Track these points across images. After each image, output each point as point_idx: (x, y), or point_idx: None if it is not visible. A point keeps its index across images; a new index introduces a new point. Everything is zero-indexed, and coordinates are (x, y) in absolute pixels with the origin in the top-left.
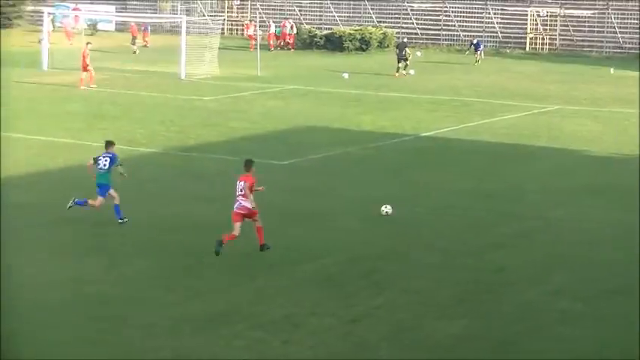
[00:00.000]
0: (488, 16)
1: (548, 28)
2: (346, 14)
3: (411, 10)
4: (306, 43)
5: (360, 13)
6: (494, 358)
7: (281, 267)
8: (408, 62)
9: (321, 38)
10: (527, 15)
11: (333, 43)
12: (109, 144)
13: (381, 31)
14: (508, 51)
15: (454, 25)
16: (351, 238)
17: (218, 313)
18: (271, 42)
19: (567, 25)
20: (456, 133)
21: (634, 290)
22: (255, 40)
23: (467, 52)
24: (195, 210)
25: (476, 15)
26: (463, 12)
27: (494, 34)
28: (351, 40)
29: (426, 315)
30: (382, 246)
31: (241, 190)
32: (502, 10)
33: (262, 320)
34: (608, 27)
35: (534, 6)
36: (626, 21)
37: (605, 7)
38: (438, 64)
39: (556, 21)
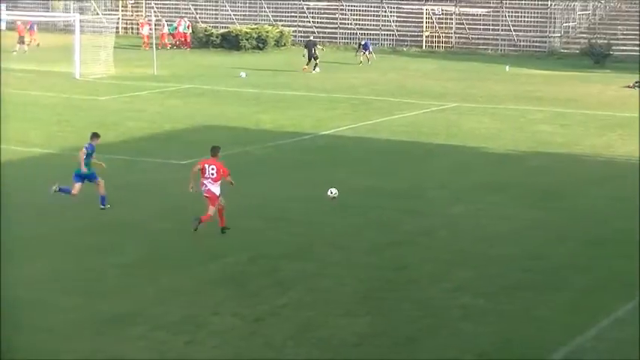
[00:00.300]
0: (384, 14)
1: (443, 26)
2: (242, 13)
3: (307, 8)
4: (203, 42)
5: (256, 11)
6: (397, 355)
7: (183, 267)
8: (317, 61)
9: (217, 37)
10: (422, 13)
11: (230, 42)
12: (94, 136)
13: (278, 30)
14: (405, 49)
15: (350, 24)
16: (254, 237)
17: (120, 314)
18: (166, 41)
19: (463, 23)
20: (355, 132)
21: (533, 285)
22: (150, 39)
23: (356, 55)
24: (96, 211)
25: (372, 13)
26: (359, 10)
27: (391, 33)
28: (247, 39)
29: (331, 313)
30: (285, 245)
31: (212, 174)
32: (398, 8)
33: (165, 321)
34: (502, 25)
35: (429, 4)
36: (520, 19)
37: (500, 5)
38: (335, 63)
39: (451, 19)
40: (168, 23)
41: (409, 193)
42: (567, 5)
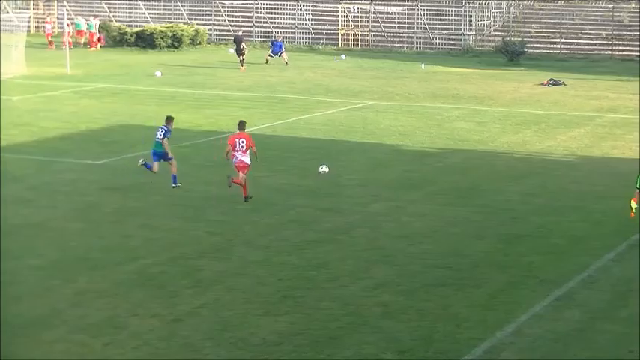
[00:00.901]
0: (300, 12)
1: (359, 24)
2: (157, 11)
3: (222, 7)
4: (117, 40)
5: (170, 10)
6: (318, 353)
7: (101, 268)
8: (244, 57)
9: (131, 36)
10: (338, 11)
11: (145, 41)
12: (168, 119)
13: (193, 29)
14: (321, 47)
15: (266, 22)
16: (172, 237)
17: (38, 317)
18: (69, 40)
19: (378, 22)
20: (273, 130)
21: (452, 282)
22: (53, 37)
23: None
24: (11, 213)
25: (288, 11)
26: (275, 9)
27: (307, 31)
28: (162, 38)
29: (250, 312)
30: (204, 244)
31: (241, 147)
32: (314, 6)
33: (83, 323)
34: (418, 23)
35: (345, 2)
36: (435, 17)
37: (415, 3)
38: (251, 61)
39: (367, 17)
40: (73, 22)
41: (328, 192)
42: (482, 3)
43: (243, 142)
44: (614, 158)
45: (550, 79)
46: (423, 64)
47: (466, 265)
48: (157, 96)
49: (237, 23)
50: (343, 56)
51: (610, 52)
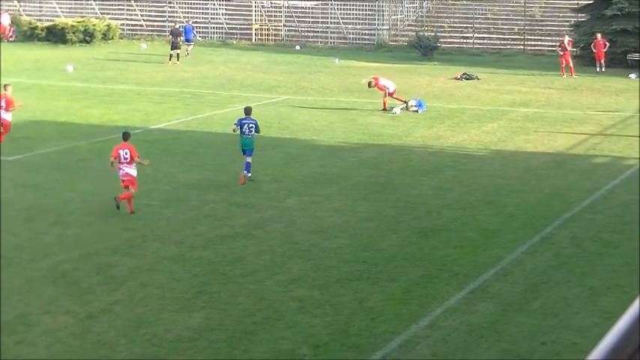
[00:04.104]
0: (213, 7)
1: (273, 19)
2: (68, 5)
3: (135, 1)
4: (27, 35)
5: (82, 4)
6: (233, 348)
7: (13, 266)
8: (179, 52)
9: (42, 30)
10: (251, 6)
11: (56, 36)
12: (247, 110)
13: (105, 23)
14: (235, 42)
15: (179, 17)
16: (85, 234)
17: None
18: None
19: (292, 16)
20: (187, 125)
21: (367, 276)
22: None
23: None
24: None
25: (201, 6)
26: (188, 3)
27: (220, 26)
28: (74, 32)
29: (165, 308)
30: (117, 240)
31: (125, 158)
32: (227, 1)
33: None
34: (331, 18)
35: None
36: (349, 12)
37: None
38: (164, 56)
39: (280, 12)
40: None
41: (242, 187)
42: None
43: (127, 153)
44: (527, 152)
45: (463, 74)
46: (337, 59)
47: (381, 259)
48: (68, 91)
49: (149, 18)
50: None
51: (522, 47)
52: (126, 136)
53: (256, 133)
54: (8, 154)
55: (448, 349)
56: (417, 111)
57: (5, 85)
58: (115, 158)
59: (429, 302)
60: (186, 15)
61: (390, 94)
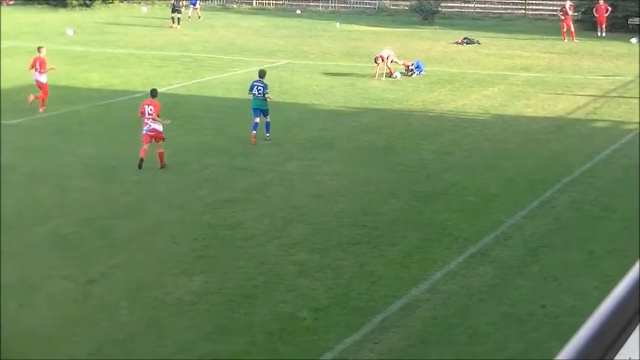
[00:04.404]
0: None
1: None
2: None
3: None
4: None
5: None
6: (234, 312)
7: (14, 230)
8: (180, 15)
9: None
10: None
11: None
12: (263, 72)
13: None
14: (235, 6)
15: None
16: (86, 198)
17: None
18: None
19: None
20: (188, 90)
21: (367, 240)
22: None
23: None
24: None
25: None
26: None
27: None
28: None
29: (165, 272)
30: (118, 205)
31: (150, 114)
32: None
33: None
34: None
35: None
36: None
37: None
38: (165, 20)
39: None
40: None
41: (242, 151)
42: None
43: (152, 110)
44: (527, 117)
45: (464, 38)
46: (338, 23)
47: (381, 223)
48: (68, 55)
49: None
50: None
51: (523, 11)
52: (154, 92)
53: (265, 95)
54: (9, 118)
55: (448, 313)
56: (412, 72)
57: (39, 48)
58: (142, 114)
59: (429, 266)
60: None
61: (386, 59)
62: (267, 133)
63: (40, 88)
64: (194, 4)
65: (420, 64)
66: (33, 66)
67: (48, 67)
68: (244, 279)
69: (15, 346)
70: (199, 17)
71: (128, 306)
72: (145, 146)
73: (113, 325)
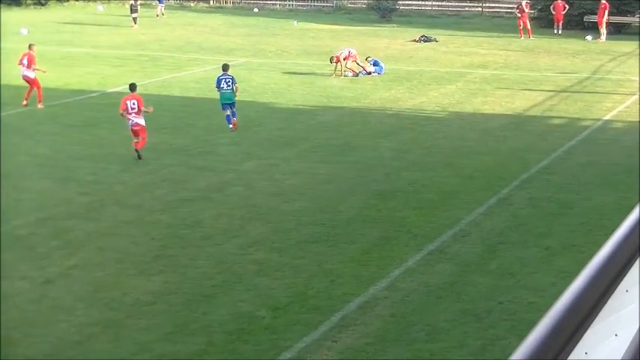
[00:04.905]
0: None
1: None
2: None
3: None
4: None
5: None
6: (192, 311)
7: None
8: (137, 15)
9: None
10: None
11: None
12: (226, 66)
13: None
14: (192, 4)
15: None
16: (42, 198)
17: None
18: None
19: None
20: (145, 88)
21: (326, 238)
22: None
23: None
24: None
25: None
26: None
27: None
28: None
29: (123, 272)
30: (74, 205)
31: (133, 108)
32: None
33: None
34: None
35: None
36: None
37: None
38: (121, 18)
39: None
40: None
41: (201, 150)
42: None
43: (134, 104)
44: (485, 114)
45: (422, 36)
46: (295, 22)
47: (340, 221)
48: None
49: None
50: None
51: (480, 9)
52: (133, 87)
53: (235, 86)
54: None
55: (407, 310)
56: (370, 73)
57: (30, 45)
58: (124, 110)
59: (388, 264)
60: None
61: (345, 58)
62: (234, 118)
63: (30, 83)
64: (161, 2)
65: (381, 63)
66: (21, 62)
67: (34, 67)
68: (203, 278)
69: None
70: (163, 14)
71: (85, 307)
72: (135, 139)
73: (70, 326)
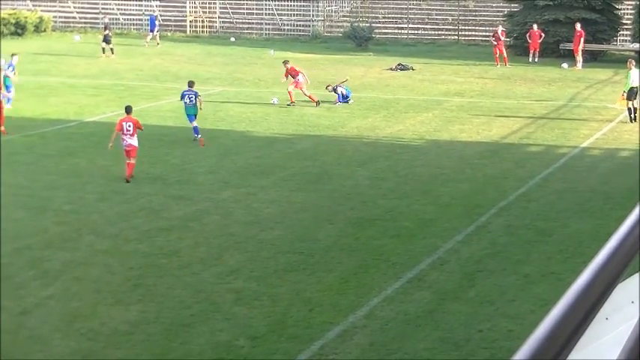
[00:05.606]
0: None
1: (207, 11)
2: None
3: None
4: None
5: None
6: (170, 341)
7: None
8: (112, 45)
9: None
10: None
11: None
12: (191, 83)
13: (37, 16)
14: (169, 34)
15: (113, 9)
16: (17, 228)
17: None
18: None
19: (227, 8)
20: None
21: (304, 267)
22: None
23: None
24: None
25: None
26: None
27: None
28: (5, 25)
29: (101, 302)
30: (50, 234)
31: (128, 130)
32: None
33: None
34: (266, 10)
35: None
36: (283, 3)
37: None
38: (97, 47)
39: (215, 4)
40: None
41: (178, 179)
42: None
43: (130, 126)
44: (462, 141)
45: (398, 64)
46: (272, 50)
47: (317, 249)
48: None
49: (82, 10)
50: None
51: (456, 37)
52: (129, 109)
53: (197, 103)
54: None
55: (386, 339)
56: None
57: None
58: (120, 130)
59: (366, 292)
60: (120, 7)
61: (297, 85)
62: (197, 135)
63: None
64: (152, 31)
65: (345, 90)
66: None
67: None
68: (181, 308)
69: None
70: (158, 44)
71: (62, 337)
72: (128, 160)
73: (47, 357)
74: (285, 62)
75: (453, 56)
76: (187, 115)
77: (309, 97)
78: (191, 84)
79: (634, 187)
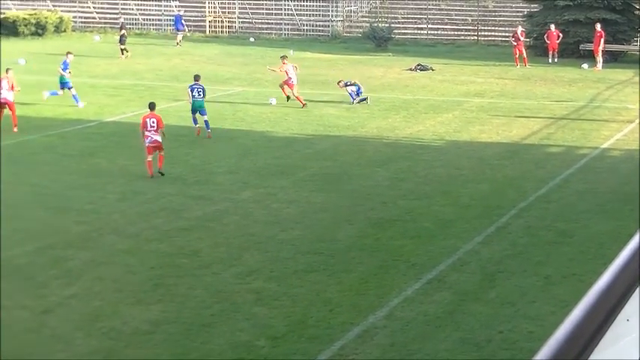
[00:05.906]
0: None
1: (227, 11)
2: None
3: None
4: None
5: None
6: (191, 341)
7: None
8: (125, 46)
9: None
10: None
11: (7, 28)
12: (197, 77)
13: (57, 16)
14: (188, 34)
15: (132, 9)
16: (40, 228)
17: None
18: None
19: (246, 8)
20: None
21: (324, 267)
22: None
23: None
24: None
25: None
26: None
27: (174, 18)
28: (25, 25)
29: (122, 302)
30: (72, 234)
31: (152, 126)
32: None
33: None
34: (285, 9)
35: None
36: (303, 3)
37: None
38: (117, 47)
39: (234, 4)
40: None
41: (198, 179)
42: None
43: (154, 122)
44: (482, 142)
45: (418, 65)
46: (291, 51)
47: (337, 250)
48: (21, 84)
49: (102, 10)
50: None
51: (476, 38)
52: (152, 106)
53: (204, 97)
54: None
55: (406, 339)
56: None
57: (7, 69)
58: (144, 127)
59: (386, 293)
60: (140, 8)
61: (288, 85)
62: (208, 129)
63: (9, 106)
64: (181, 28)
65: (354, 87)
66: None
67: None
68: (201, 308)
69: None
70: (177, 44)
71: (84, 336)
72: (149, 157)
73: (69, 356)
74: (283, 57)
75: (473, 57)
76: (196, 108)
77: (297, 97)
78: (197, 77)
79: None
